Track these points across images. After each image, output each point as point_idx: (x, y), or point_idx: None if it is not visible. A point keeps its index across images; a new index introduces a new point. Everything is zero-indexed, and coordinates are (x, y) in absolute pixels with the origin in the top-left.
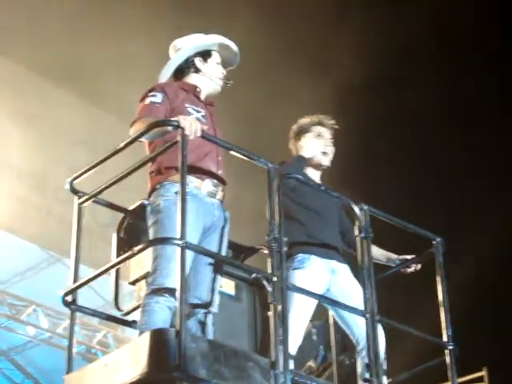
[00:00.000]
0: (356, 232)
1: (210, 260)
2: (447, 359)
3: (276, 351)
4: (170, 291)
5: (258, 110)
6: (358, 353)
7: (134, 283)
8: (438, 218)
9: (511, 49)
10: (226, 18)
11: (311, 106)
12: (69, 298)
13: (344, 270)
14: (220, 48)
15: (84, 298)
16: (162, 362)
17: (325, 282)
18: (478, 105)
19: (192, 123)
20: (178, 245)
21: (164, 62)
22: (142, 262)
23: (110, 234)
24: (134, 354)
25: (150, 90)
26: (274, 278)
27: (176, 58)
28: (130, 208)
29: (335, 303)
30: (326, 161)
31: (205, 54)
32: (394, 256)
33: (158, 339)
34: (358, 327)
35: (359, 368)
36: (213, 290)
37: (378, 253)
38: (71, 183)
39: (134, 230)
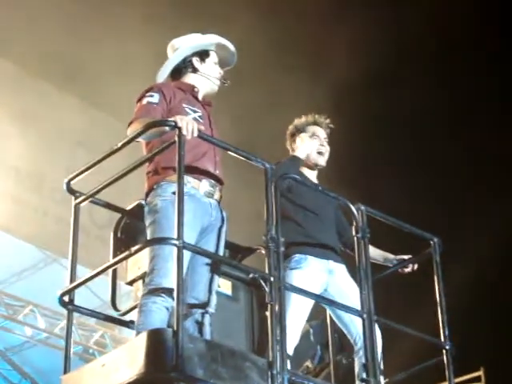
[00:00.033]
0: (353, 232)
1: (208, 260)
2: (444, 359)
3: (273, 351)
4: (168, 291)
5: (256, 110)
6: (356, 353)
7: (131, 283)
8: (438, 217)
9: (511, 49)
10: (222, 19)
11: (309, 106)
12: (66, 298)
13: (341, 270)
14: (217, 48)
15: (81, 298)
16: (160, 362)
17: (322, 282)
18: (477, 105)
19: (189, 123)
20: (176, 245)
21: (162, 63)
22: (139, 262)
23: (107, 235)
24: (132, 354)
25: (147, 91)
26: (272, 278)
27: (173, 58)
28: (127, 208)
29: (332, 303)
30: (322, 160)
31: (202, 54)
32: (391, 256)
33: (156, 339)
34: (355, 327)
35: (356, 368)
36: (210, 290)
37: (375, 253)
38: (68, 183)
39: (131, 230)
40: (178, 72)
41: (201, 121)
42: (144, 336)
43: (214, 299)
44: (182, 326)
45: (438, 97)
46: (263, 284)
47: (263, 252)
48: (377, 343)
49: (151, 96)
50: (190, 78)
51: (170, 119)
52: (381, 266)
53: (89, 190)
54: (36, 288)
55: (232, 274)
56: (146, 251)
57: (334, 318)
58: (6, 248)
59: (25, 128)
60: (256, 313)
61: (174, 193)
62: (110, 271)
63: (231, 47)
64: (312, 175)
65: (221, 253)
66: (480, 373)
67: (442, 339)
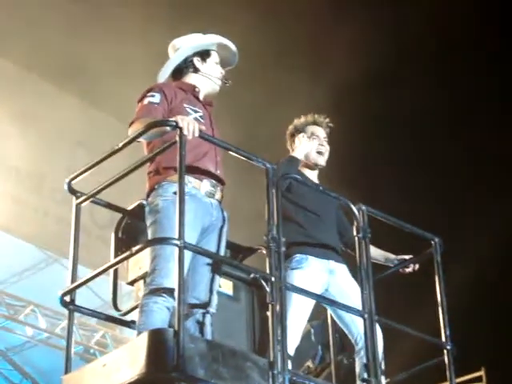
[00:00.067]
0: (354, 232)
1: (209, 260)
2: (445, 359)
3: (274, 351)
4: (169, 291)
5: (256, 110)
6: (357, 353)
7: (132, 283)
8: (438, 217)
9: (511, 49)
10: (222, 19)
11: (309, 106)
12: (67, 298)
13: (342, 270)
14: (219, 48)
15: (82, 298)
16: (161, 362)
17: (323, 282)
18: (477, 105)
19: (190, 123)
20: (177, 245)
21: (162, 63)
22: (140, 262)
23: (108, 235)
24: (133, 354)
25: (149, 91)
26: (273, 278)
27: (174, 58)
28: (128, 208)
29: (333, 303)
30: (322, 160)
31: (203, 54)
32: (392, 256)
33: (157, 339)
34: (356, 327)
35: (357, 368)
36: (211, 290)
37: (376, 253)
38: (69, 183)
39: (132, 230)
40: (179, 72)
41: (202, 121)
42: (145, 336)
43: (214, 299)
44: (183, 326)
45: (438, 97)
46: (264, 284)
47: (264, 252)
48: (378, 343)
49: (152, 96)
50: (191, 78)
51: (170, 119)
52: (382, 266)
53: (90, 190)
54: (37, 288)
55: (233, 274)
56: (147, 251)
57: (335, 318)
58: (6, 248)
59: (25, 128)
60: (257, 313)
61: (175, 193)
62: (111, 271)
63: (232, 47)
64: (313, 175)
65: (222, 253)
66: (481, 373)
67: (443, 339)
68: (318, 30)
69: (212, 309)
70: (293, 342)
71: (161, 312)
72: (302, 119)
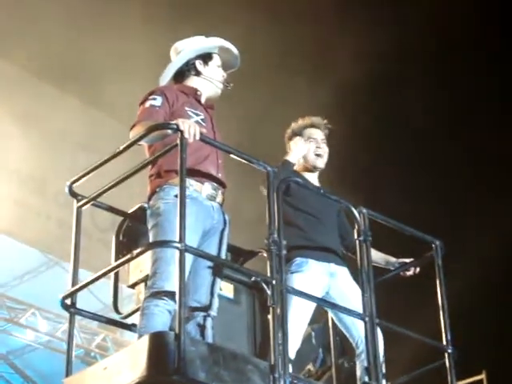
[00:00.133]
0: (355, 235)
1: (210, 263)
2: (446, 362)
3: (275, 354)
4: (170, 294)
5: (258, 113)
6: (357, 356)
7: (133, 286)
8: (440, 218)
9: (511, 49)
10: (223, 20)
11: (311, 108)
12: (68, 302)
13: (343, 272)
14: (221, 51)
15: (83, 301)
16: (162, 365)
17: (323, 286)
18: (477, 105)
19: (191, 126)
20: (178, 248)
21: (164, 65)
22: (141, 265)
23: (109, 238)
24: (134, 357)
25: (150, 94)
26: (274, 281)
27: (176, 61)
28: (130, 211)
29: (334, 306)
30: (320, 163)
31: (205, 57)
32: (393, 259)
33: (158, 342)
34: (357, 330)
35: (358, 371)
36: (212, 293)
37: (377, 256)
38: (70, 186)
39: (133, 233)
40: (180, 75)
41: (203, 124)
42: (146, 339)
43: (215, 302)
44: (183, 329)
45: (438, 97)
46: (265, 287)
47: (265, 255)
48: (379, 346)
49: (154, 99)
50: (192, 81)
51: (172, 122)
52: (383, 269)
53: (91, 193)
54: (38, 291)
55: (234, 277)
56: (148, 254)
57: (336, 321)
58: (8, 251)
59: (26, 130)
60: (258, 316)
61: (176, 196)
62: (111, 274)
63: (234, 50)
64: (312, 178)
65: (223, 256)
66: (482, 376)
67: (444, 343)
68: (319, 32)
69: (213, 312)
70: (294, 345)
71: (162, 315)
72: (300, 122)
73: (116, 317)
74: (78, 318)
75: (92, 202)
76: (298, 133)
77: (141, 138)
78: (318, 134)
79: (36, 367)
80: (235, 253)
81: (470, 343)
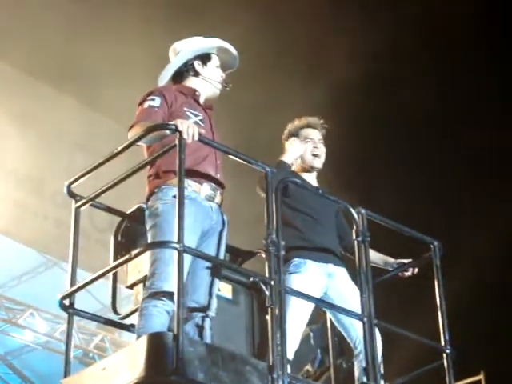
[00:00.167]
0: (353, 236)
1: (208, 264)
2: (444, 363)
3: (273, 355)
4: (168, 295)
5: (254, 112)
6: (356, 356)
7: (131, 287)
8: (435, 218)
9: (511, 49)
10: (221, 20)
11: (308, 108)
12: (66, 302)
13: (341, 273)
14: (219, 51)
15: (81, 301)
16: (160, 366)
17: (321, 286)
18: (477, 105)
19: (190, 127)
20: (176, 248)
21: (162, 66)
22: (139, 265)
23: (108, 238)
24: (132, 357)
25: (149, 94)
26: (272, 282)
27: (175, 62)
28: (128, 212)
29: (332, 307)
30: (317, 163)
31: (204, 58)
32: (391, 260)
33: (156, 343)
34: (355, 331)
35: (356, 372)
36: (210, 294)
37: (376, 256)
38: (69, 187)
39: (132, 234)
40: (179, 75)
41: (202, 124)
42: (144, 339)
43: (214, 303)
44: (182, 329)
45: (438, 97)
46: (263, 288)
47: (263, 256)
48: (377, 347)
49: (152, 100)
50: (191, 82)
51: (170, 123)
52: (381, 269)
53: (89, 194)
54: (36, 292)
55: (232, 278)
56: (147, 255)
57: (334, 322)
58: (6, 252)
59: (24, 130)
60: (256, 316)
61: (174, 196)
62: (110, 275)
63: (233, 50)
64: (310, 178)
65: (221, 256)
66: (480, 377)
67: (443, 343)
68: (316, 32)
69: (211, 312)
70: (292, 346)
71: (160, 316)
72: (296, 122)
73: (114, 317)
74: (76, 318)
75: (90, 203)
76: (295, 133)
77: (139, 138)
78: (315, 134)
79: (34, 368)
80: (234, 253)
81: (469, 344)
